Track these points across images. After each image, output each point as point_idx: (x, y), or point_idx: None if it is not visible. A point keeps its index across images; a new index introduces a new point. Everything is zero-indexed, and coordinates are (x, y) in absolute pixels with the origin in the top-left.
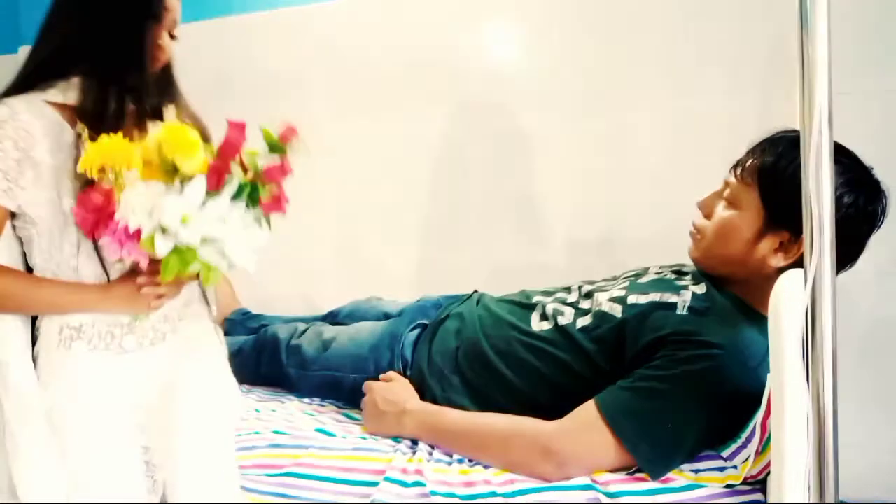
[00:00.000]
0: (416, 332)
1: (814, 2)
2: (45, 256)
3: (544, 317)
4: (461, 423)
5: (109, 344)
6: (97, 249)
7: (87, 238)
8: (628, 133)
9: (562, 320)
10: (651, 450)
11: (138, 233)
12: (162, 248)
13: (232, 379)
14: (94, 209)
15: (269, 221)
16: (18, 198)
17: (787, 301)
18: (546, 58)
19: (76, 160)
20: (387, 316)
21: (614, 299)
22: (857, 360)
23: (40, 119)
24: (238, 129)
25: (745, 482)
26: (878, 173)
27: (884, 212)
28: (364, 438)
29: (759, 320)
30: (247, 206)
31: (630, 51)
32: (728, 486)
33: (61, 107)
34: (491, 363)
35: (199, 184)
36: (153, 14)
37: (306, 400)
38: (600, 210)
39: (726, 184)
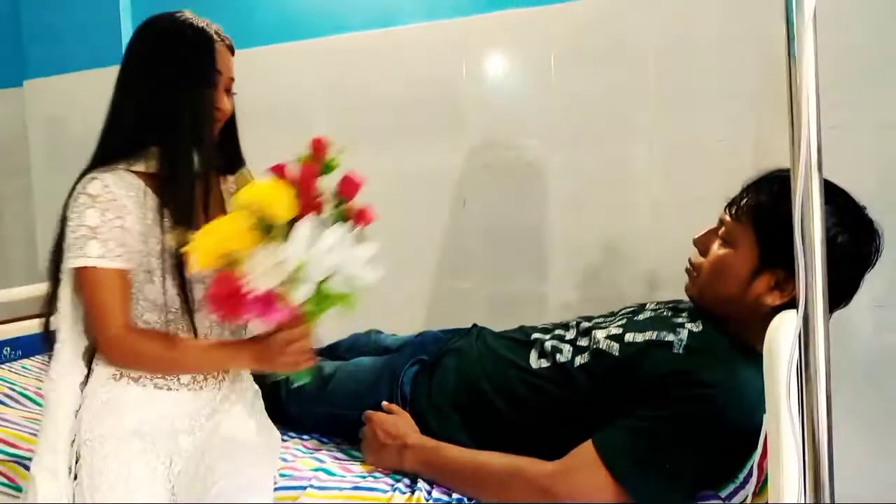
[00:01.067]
0: (416, 367)
1: (801, 37)
2: None
3: (542, 354)
4: (461, 461)
5: (158, 384)
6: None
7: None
8: (626, 165)
9: (560, 358)
10: (648, 490)
11: (272, 293)
12: (299, 296)
13: (271, 423)
14: (229, 295)
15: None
16: (132, 261)
17: (780, 343)
18: (544, 92)
19: (159, 225)
20: (386, 350)
21: (611, 337)
22: (857, 391)
23: (128, 189)
24: (320, 150)
25: None
26: (874, 204)
27: (877, 251)
28: (364, 477)
29: (755, 359)
30: (341, 226)
31: (627, 85)
32: None
33: (144, 175)
34: (489, 400)
35: (305, 226)
36: (208, 82)
37: (306, 436)
38: (599, 242)
39: (722, 221)
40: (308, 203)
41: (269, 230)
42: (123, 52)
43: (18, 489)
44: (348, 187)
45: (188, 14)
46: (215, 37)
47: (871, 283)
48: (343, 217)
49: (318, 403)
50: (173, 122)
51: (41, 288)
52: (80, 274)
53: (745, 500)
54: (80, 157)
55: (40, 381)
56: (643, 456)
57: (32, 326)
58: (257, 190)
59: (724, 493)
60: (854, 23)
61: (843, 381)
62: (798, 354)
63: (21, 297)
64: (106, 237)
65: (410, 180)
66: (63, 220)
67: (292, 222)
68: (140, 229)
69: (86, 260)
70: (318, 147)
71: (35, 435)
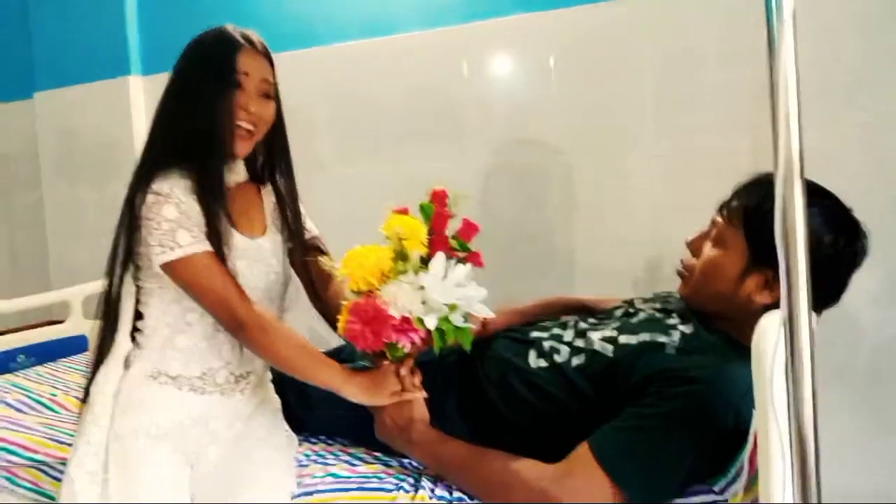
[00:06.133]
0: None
1: (780, 38)
2: (162, 308)
3: (541, 354)
4: (463, 460)
5: (194, 385)
6: None
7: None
8: (626, 170)
9: (558, 358)
10: (643, 487)
11: (408, 319)
12: (431, 322)
13: (289, 429)
14: (374, 317)
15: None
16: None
17: (766, 341)
18: (545, 98)
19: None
20: None
21: (606, 339)
22: (857, 386)
23: (185, 193)
24: (442, 200)
25: None
26: (866, 201)
27: (864, 251)
28: (368, 478)
29: (745, 355)
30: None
31: (627, 91)
32: None
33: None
34: (489, 399)
35: (440, 259)
36: (229, 84)
37: (314, 439)
38: (599, 244)
39: (713, 223)
40: (439, 242)
41: (405, 261)
42: (131, 63)
43: (43, 493)
44: (467, 231)
45: (226, 26)
46: (241, 40)
47: (870, 281)
48: (462, 258)
49: (324, 406)
50: (199, 130)
51: (52, 297)
52: (179, 266)
53: (736, 494)
54: (91, 168)
55: (55, 388)
56: (636, 454)
57: (45, 334)
58: (401, 222)
59: (717, 487)
60: (841, 24)
61: (843, 377)
62: (784, 352)
63: (33, 305)
64: (189, 225)
65: (411, 186)
66: (129, 228)
67: (422, 259)
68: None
69: (182, 250)
70: (441, 197)
71: (54, 440)
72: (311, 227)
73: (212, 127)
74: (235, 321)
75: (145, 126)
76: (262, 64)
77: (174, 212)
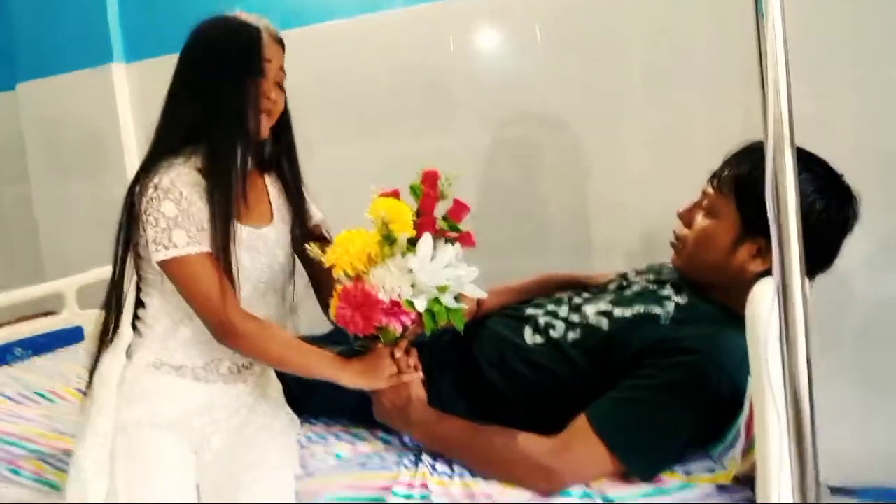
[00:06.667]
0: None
1: (769, 6)
2: (165, 298)
3: (537, 330)
4: (463, 438)
5: (198, 375)
6: None
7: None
8: (616, 143)
9: (553, 334)
10: (641, 456)
11: (398, 302)
12: (420, 304)
13: (292, 413)
14: (359, 305)
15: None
16: (206, 245)
17: (760, 308)
18: (533, 73)
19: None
20: None
21: (601, 313)
22: (852, 349)
23: (190, 186)
24: (433, 181)
25: (735, 481)
26: (857, 166)
27: (855, 216)
28: (370, 457)
29: (740, 324)
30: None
31: (615, 64)
32: (719, 485)
33: (200, 171)
34: (486, 376)
35: (427, 241)
36: (255, 71)
37: (314, 420)
38: (591, 218)
39: (704, 193)
40: (427, 223)
41: (392, 244)
42: (113, 50)
43: (46, 483)
44: (458, 211)
45: (237, 12)
46: (262, 28)
47: (862, 246)
48: (451, 238)
49: (324, 387)
50: (218, 116)
51: (47, 288)
52: (173, 265)
53: (733, 460)
54: (79, 158)
55: (52, 378)
56: (634, 425)
57: (42, 326)
58: (386, 205)
59: (714, 454)
60: None
61: (837, 342)
62: (778, 319)
63: (26, 298)
64: (187, 225)
65: (401, 164)
66: (131, 218)
67: (410, 241)
68: (206, 222)
69: (177, 250)
70: (432, 178)
71: (55, 431)
72: (315, 211)
73: (239, 113)
74: (221, 329)
75: (131, 114)
76: (279, 52)
77: (173, 209)
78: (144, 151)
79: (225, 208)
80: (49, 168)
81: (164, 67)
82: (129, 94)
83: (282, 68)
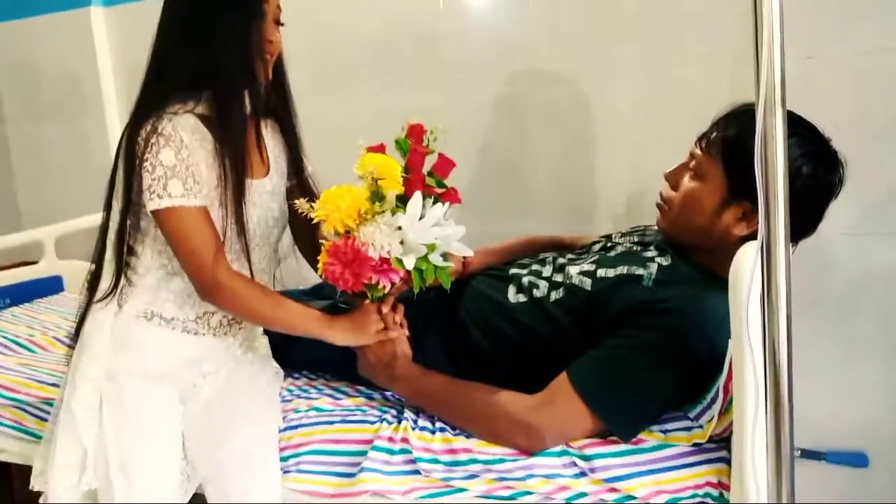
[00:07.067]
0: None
1: None
2: (158, 248)
3: (520, 289)
4: (446, 394)
5: (188, 327)
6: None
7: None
8: (605, 102)
9: (536, 293)
10: (621, 416)
11: (387, 260)
12: (409, 262)
13: (277, 366)
14: (349, 262)
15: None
16: (206, 199)
17: (743, 271)
18: (522, 29)
19: (220, 166)
20: None
21: (584, 273)
22: (831, 315)
23: (191, 132)
24: (419, 135)
25: (710, 440)
26: (848, 132)
27: (841, 181)
28: (352, 410)
29: (722, 286)
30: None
31: (605, 22)
32: (695, 444)
33: (201, 117)
34: (470, 334)
35: (417, 200)
36: (256, 13)
37: (297, 374)
38: (579, 177)
39: (692, 155)
40: (416, 181)
41: (381, 201)
42: None
43: (26, 431)
44: (443, 166)
45: None
46: None
47: (845, 211)
48: (437, 196)
49: (307, 341)
50: (223, 61)
51: (24, 237)
52: (165, 215)
53: (711, 419)
54: (56, 102)
55: (32, 328)
56: (615, 384)
57: (19, 275)
58: (375, 161)
59: (692, 414)
60: None
61: (817, 306)
62: (761, 283)
63: (4, 246)
64: (184, 175)
65: (389, 119)
66: (128, 163)
67: (399, 198)
68: (205, 171)
69: (171, 200)
70: (418, 132)
71: (35, 380)
72: (307, 163)
73: (246, 58)
74: (207, 286)
75: (110, 59)
76: None
77: (172, 158)
78: (124, 97)
79: (237, 161)
80: (26, 112)
81: (143, 12)
82: (108, 39)
83: (279, 7)
